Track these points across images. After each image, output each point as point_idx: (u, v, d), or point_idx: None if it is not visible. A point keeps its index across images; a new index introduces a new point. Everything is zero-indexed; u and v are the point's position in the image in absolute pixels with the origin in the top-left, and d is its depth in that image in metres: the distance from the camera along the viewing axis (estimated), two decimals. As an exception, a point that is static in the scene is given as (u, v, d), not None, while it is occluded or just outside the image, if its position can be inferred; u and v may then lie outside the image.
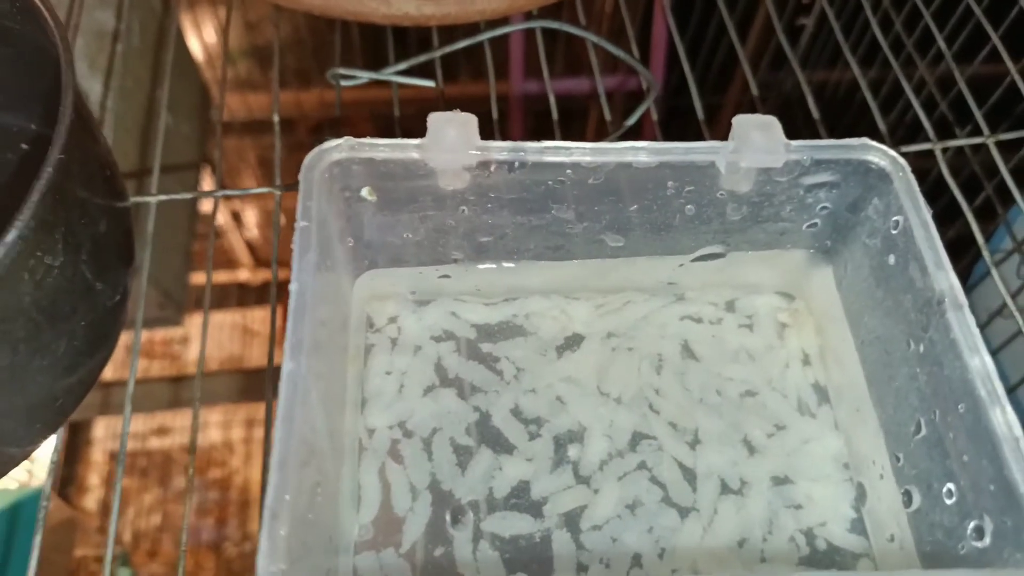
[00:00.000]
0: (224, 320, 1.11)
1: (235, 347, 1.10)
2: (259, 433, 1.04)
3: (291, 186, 0.38)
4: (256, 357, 1.09)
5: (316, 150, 0.28)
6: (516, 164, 0.29)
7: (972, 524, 0.25)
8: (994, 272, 0.37)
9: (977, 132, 0.41)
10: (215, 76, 0.93)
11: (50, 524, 0.76)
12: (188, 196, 0.39)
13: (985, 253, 0.37)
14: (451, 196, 0.30)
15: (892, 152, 0.30)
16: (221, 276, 1.16)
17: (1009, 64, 0.43)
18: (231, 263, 1.20)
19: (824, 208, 0.32)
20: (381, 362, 0.33)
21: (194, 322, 1.13)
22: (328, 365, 0.28)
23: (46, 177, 0.27)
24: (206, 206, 0.91)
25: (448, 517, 0.30)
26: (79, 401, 0.33)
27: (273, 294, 0.36)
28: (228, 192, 0.39)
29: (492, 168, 0.29)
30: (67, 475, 1.00)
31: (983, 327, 0.50)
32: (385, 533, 0.30)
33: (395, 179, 0.30)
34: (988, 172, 0.51)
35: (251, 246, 1.21)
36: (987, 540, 0.25)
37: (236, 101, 1.05)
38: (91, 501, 0.99)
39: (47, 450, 0.85)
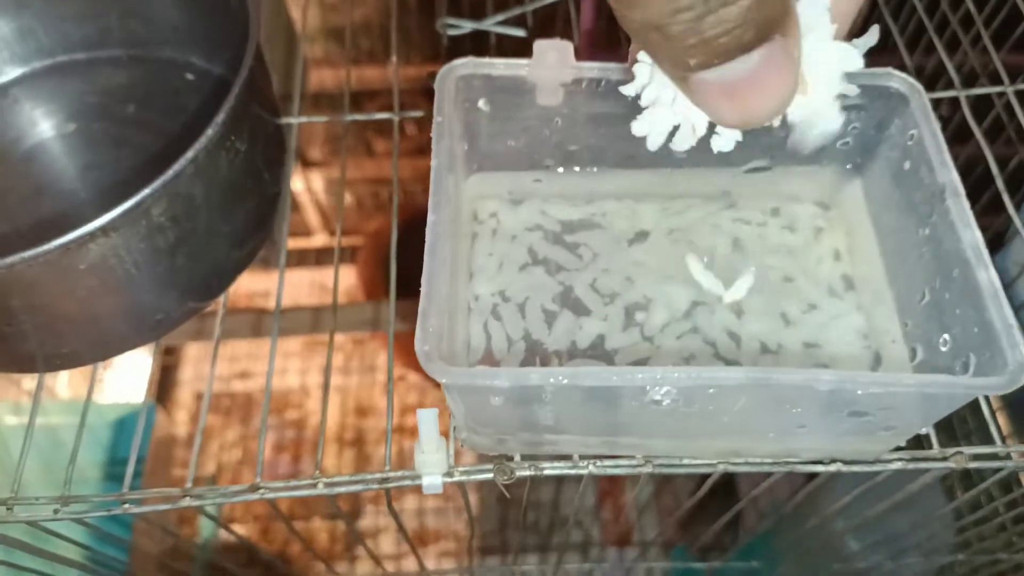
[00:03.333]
0: (302, 278, 1.21)
1: (312, 300, 1.19)
2: (333, 380, 1.13)
3: (409, 111, 0.46)
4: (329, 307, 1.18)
5: (448, 65, 0.36)
6: (603, 81, 0.37)
7: (960, 362, 0.32)
8: (1018, 223, 0.43)
9: (997, 80, 0.48)
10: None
11: (155, 438, 0.86)
12: (323, 119, 0.47)
13: (1010, 208, 0.43)
14: (548, 110, 0.38)
15: (911, 79, 0.37)
16: (298, 241, 1.26)
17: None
18: (308, 230, 1.29)
19: (855, 128, 0.39)
20: (484, 246, 0.41)
21: (274, 278, 1.22)
22: (451, 234, 0.36)
23: (244, 75, 0.36)
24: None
25: (538, 361, 0.37)
26: (242, 270, 0.41)
27: (395, 210, 0.44)
28: (356, 116, 0.47)
29: (583, 85, 0.37)
30: (160, 408, 1.10)
31: (1014, 280, 0.56)
32: (489, 373, 0.37)
33: (506, 93, 0.37)
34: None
35: (324, 214, 1.30)
36: (971, 372, 0.32)
37: (321, 77, 1.13)
38: (181, 433, 1.08)
39: (144, 373, 0.94)
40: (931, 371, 0.34)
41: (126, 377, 0.99)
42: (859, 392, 0.29)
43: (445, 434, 0.35)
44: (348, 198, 1.27)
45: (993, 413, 0.39)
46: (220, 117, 0.34)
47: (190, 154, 0.33)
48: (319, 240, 1.30)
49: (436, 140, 0.34)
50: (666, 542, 0.90)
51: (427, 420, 0.33)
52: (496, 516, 1.01)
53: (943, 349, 0.33)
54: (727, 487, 0.80)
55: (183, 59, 0.48)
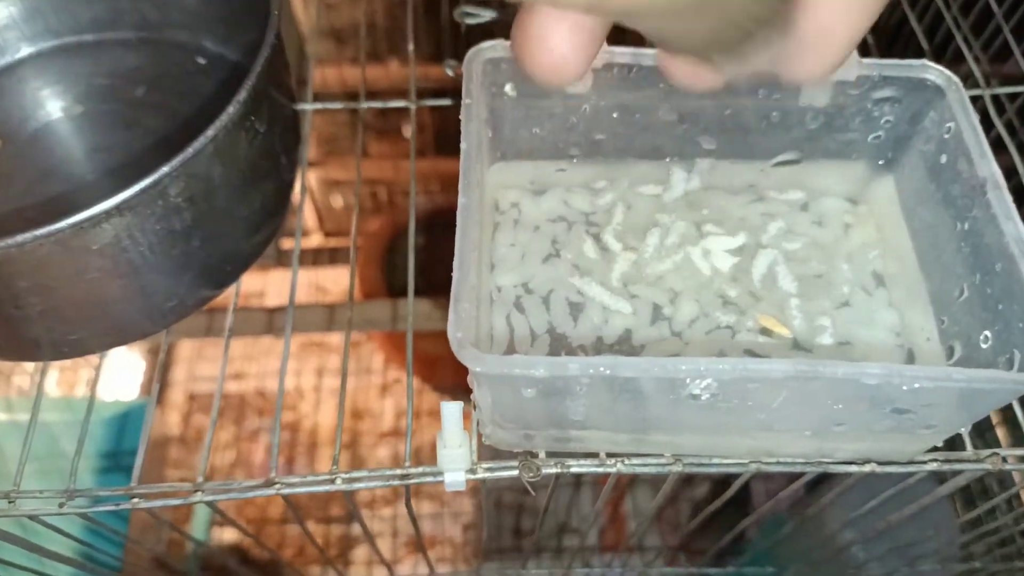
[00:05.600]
0: (298, 278, 1.19)
1: (307, 302, 1.17)
2: (328, 382, 1.12)
3: (426, 98, 0.45)
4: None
5: (475, 48, 0.35)
6: (635, 67, 0.36)
7: (1004, 359, 0.31)
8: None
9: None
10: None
11: (152, 437, 0.84)
12: (339, 106, 0.46)
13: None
14: (576, 97, 0.37)
15: (947, 71, 0.36)
16: (294, 241, 1.24)
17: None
18: (304, 230, 1.28)
19: (887, 121, 0.38)
20: (506, 236, 0.39)
21: (270, 278, 1.21)
22: (477, 217, 0.35)
23: (264, 56, 0.34)
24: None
25: (563, 355, 0.36)
26: (257, 256, 0.40)
27: (413, 194, 0.43)
28: (372, 104, 0.46)
29: (614, 71, 0.36)
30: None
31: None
32: (512, 366, 0.36)
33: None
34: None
35: (320, 215, 1.29)
36: (1016, 368, 0.31)
37: (324, 74, 1.12)
38: (173, 433, 1.06)
39: (139, 371, 0.92)
40: (970, 367, 0.33)
41: (119, 376, 0.97)
42: (904, 388, 0.28)
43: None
44: (345, 198, 1.26)
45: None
46: (241, 95, 0.33)
47: (211, 132, 0.32)
48: (315, 240, 1.29)
49: (465, 122, 0.33)
50: (672, 547, 0.89)
51: (451, 413, 0.32)
52: (495, 522, 0.99)
53: (984, 346, 0.33)
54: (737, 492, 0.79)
55: (195, 43, 0.47)
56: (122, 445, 0.78)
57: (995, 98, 0.49)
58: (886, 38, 0.65)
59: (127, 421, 0.80)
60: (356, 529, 1.02)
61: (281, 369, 0.38)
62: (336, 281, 1.19)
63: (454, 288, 0.29)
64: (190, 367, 1.14)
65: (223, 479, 1.07)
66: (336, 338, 1.15)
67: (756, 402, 0.30)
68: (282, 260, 1.14)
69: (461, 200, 0.31)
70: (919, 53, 0.52)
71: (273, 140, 0.37)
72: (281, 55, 0.39)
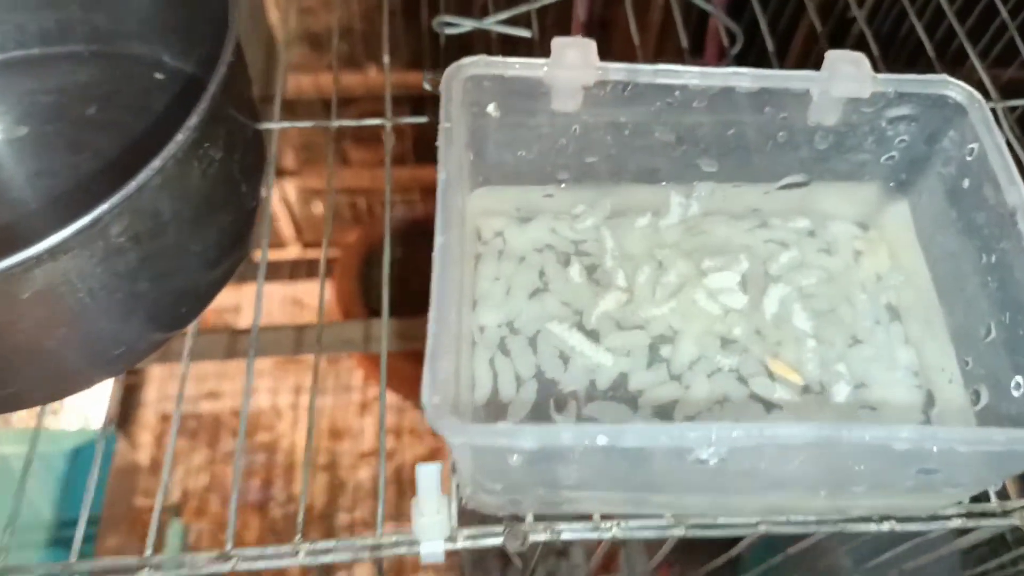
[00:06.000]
0: (274, 292, 1.15)
1: (284, 317, 1.14)
2: (305, 400, 1.08)
3: (404, 107, 0.42)
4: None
5: (455, 65, 0.32)
6: (629, 85, 0.32)
7: (1040, 409, 0.28)
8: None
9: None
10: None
11: (115, 467, 0.80)
12: (308, 124, 0.42)
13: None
14: (565, 116, 0.34)
15: (968, 87, 0.33)
16: (270, 254, 1.20)
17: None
18: (281, 241, 1.24)
19: (902, 141, 0.35)
20: (490, 269, 0.36)
21: (244, 292, 1.17)
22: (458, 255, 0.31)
23: (220, 76, 0.31)
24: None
25: (552, 404, 0.33)
26: (215, 294, 0.37)
27: (388, 218, 0.40)
28: (344, 122, 0.42)
29: (607, 88, 0.33)
30: (124, 432, 1.04)
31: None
32: (496, 415, 0.33)
33: (519, 97, 0.33)
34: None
35: (297, 225, 1.25)
36: (1054, 421, 0.28)
37: (298, 82, 1.08)
38: (143, 458, 1.02)
39: (104, 396, 0.88)
40: (999, 417, 0.30)
41: (85, 399, 0.93)
42: (935, 449, 0.25)
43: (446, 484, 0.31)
44: (324, 209, 1.22)
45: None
46: (192, 120, 0.29)
47: (156, 163, 0.28)
48: (292, 252, 1.25)
49: (444, 149, 0.30)
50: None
51: (428, 477, 0.29)
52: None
53: (1016, 393, 0.30)
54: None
55: (152, 56, 0.43)
56: (84, 481, 0.73)
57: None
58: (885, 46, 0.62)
59: (92, 452, 0.76)
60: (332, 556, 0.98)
61: (244, 402, 0.35)
62: (314, 294, 1.15)
63: (430, 342, 0.25)
64: (162, 387, 1.10)
65: (196, 505, 1.03)
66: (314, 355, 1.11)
67: (770, 464, 0.27)
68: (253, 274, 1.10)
69: (439, 239, 0.27)
70: (915, 62, 0.49)
71: (232, 166, 0.34)
72: (242, 72, 0.36)
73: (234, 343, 0.95)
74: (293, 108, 1.09)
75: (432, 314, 0.26)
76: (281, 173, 1.16)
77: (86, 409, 0.95)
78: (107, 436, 0.81)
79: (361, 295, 1.08)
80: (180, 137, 0.29)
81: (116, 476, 0.80)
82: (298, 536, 0.29)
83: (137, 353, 0.34)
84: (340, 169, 1.19)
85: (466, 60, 0.32)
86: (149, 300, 0.32)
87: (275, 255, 1.21)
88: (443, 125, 0.30)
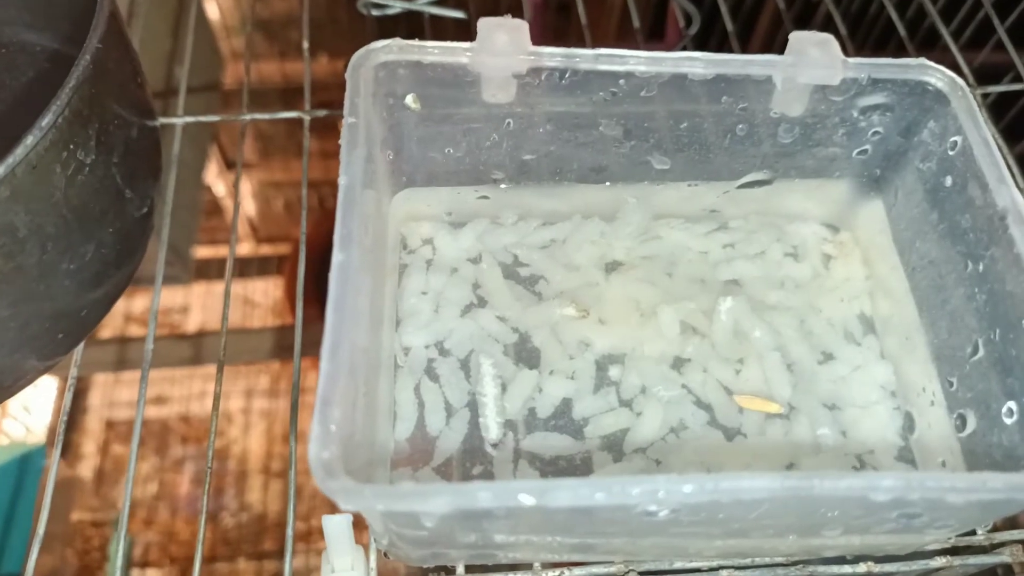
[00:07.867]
0: (223, 290, 1.10)
1: (235, 317, 1.08)
2: (257, 404, 1.03)
3: (320, 110, 0.38)
4: (256, 327, 1.08)
5: (364, 49, 0.27)
6: (567, 72, 0.28)
7: (1035, 441, 0.25)
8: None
9: (1018, 79, 0.41)
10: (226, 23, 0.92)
11: (61, 477, 0.75)
12: (215, 119, 0.38)
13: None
14: (497, 108, 0.30)
15: (950, 73, 0.29)
16: (220, 249, 1.15)
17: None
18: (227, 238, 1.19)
19: (876, 133, 0.31)
20: (416, 282, 0.32)
21: (193, 292, 1.12)
22: (370, 270, 0.27)
23: (83, 66, 0.26)
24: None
25: (486, 437, 0.29)
26: (102, 315, 0.32)
27: (303, 230, 0.36)
28: (256, 116, 0.38)
29: (543, 76, 0.28)
30: (63, 442, 0.98)
31: None
32: (422, 450, 0.29)
33: (442, 86, 0.29)
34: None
35: (250, 221, 1.20)
36: (1052, 455, 0.24)
37: (240, 71, 1.03)
38: (87, 469, 0.97)
39: (46, 406, 0.82)
40: (988, 447, 0.27)
41: (26, 409, 0.87)
42: (917, 496, 0.22)
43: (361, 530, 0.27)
44: (276, 202, 1.18)
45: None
46: (46, 119, 0.25)
47: (0, 170, 0.24)
48: (245, 248, 1.20)
49: (347, 149, 0.25)
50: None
51: (337, 529, 0.25)
52: None
53: (1008, 421, 0.26)
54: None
55: (12, 35, 0.38)
56: (20, 496, 0.69)
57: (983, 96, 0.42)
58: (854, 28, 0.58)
59: (28, 466, 0.71)
60: (296, 562, 0.94)
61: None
62: (266, 293, 1.10)
63: (322, 384, 0.21)
64: (105, 392, 1.04)
65: (144, 515, 0.99)
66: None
67: (729, 515, 0.23)
68: (201, 272, 1.05)
69: (338, 256, 0.23)
70: (885, 44, 0.45)
71: (110, 170, 0.29)
72: (121, 54, 0.31)
73: (177, 345, 0.90)
74: (254, 98, 1.04)
75: (325, 349, 0.22)
76: (232, 166, 1.11)
77: (25, 419, 0.90)
78: (39, 451, 0.76)
79: (316, 292, 1.03)
80: (29, 140, 0.24)
81: (54, 492, 0.75)
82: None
83: (6, 389, 0.29)
84: (295, 160, 1.15)
85: (376, 44, 0.27)
86: (12, 329, 0.27)
87: (225, 251, 1.16)
88: (347, 120, 0.26)
